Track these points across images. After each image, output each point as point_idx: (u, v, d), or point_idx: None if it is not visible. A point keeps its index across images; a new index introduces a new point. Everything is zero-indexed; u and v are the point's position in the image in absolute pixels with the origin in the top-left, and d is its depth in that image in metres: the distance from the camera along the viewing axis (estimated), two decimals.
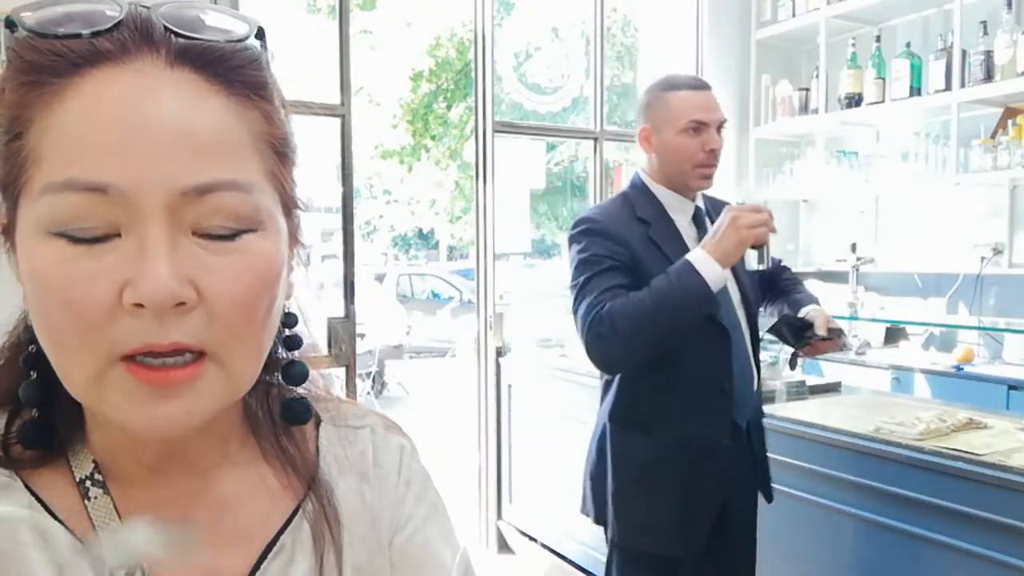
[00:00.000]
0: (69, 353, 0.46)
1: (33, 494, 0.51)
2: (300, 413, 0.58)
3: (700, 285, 1.64)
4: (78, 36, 0.45)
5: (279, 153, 0.51)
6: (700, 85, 1.86)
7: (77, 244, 0.44)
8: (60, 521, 0.50)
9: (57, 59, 0.45)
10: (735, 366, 1.80)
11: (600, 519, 1.91)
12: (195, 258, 0.46)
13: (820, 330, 1.83)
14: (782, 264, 2.14)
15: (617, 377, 1.86)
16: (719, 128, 1.82)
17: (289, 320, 0.58)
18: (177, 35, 0.47)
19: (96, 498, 0.51)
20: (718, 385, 1.78)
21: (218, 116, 0.47)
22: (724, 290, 1.78)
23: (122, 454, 0.53)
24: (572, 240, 1.82)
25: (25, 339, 0.52)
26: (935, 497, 1.93)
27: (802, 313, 1.92)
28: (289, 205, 0.53)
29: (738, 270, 1.86)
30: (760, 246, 1.70)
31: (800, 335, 1.87)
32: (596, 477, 1.90)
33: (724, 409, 1.79)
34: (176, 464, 0.54)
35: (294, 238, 0.55)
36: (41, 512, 0.50)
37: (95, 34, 0.45)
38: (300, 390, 0.60)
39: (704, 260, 1.66)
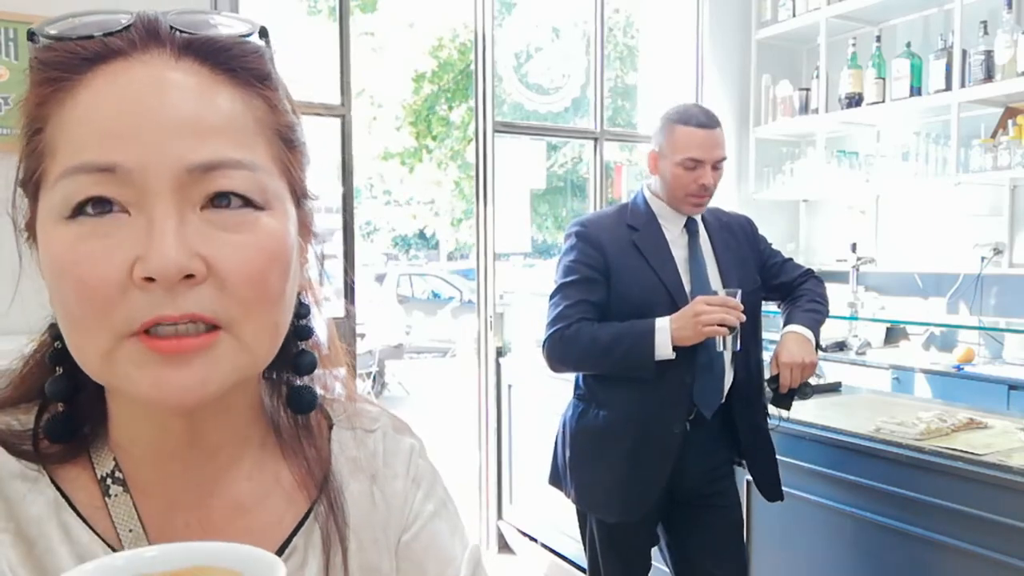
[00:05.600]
0: (84, 331, 0.47)
1: (58, 488, 0.52)
2: (306, 401, 0.59)
3: (647, 351, 1.82)
4: (91, 37, 0.48)
5: (285, 140, 0.53)
6: (707, 123, 1.94)
7: (89, 225, 0.46)
8: (82, 517, 0.51)
9: (70, 56, 0.48)
10: (701, 356, 1.91)
11: (562, 484, 2.08)
12: (204, 233, 0.47)
13: (782, 389, 1.99)
14: (805, 269, 2.17)
15: None
16: (716, 165, 1.93)
17: (301, 311, 0.58)
18: (182, 32, 0.49)
19: (116, 495, 0.53)
20: (678, 376, 1.89)
21: (223, 102, 0.49)
22: (704, 288, 1.93)
23: (143, 445, 0.53)
24: (565, 240, 2.03)
25: (51, 336, 0.54)
26: (935, 497, 1.93)
27: (780, 334, 2.05)
28: (299, 194, 0.54)
29: (724, 265, 2.00)
30: (725, 335, 1.82)
31: (777, 395, 2.03)
32: (560, 447, 2.09)
33: (682, 398, 1.91)
34: (195, 454, 0.54)
35: (306, 228, 0.56)
36: (64, 508, 0.51)
37: (107, 35, 0.48)
38: (320, 391, 0.60)
39: (663, 331, 1.83)
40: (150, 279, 0.45)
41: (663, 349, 1.82)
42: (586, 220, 2.03)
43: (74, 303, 0.46)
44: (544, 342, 1.96)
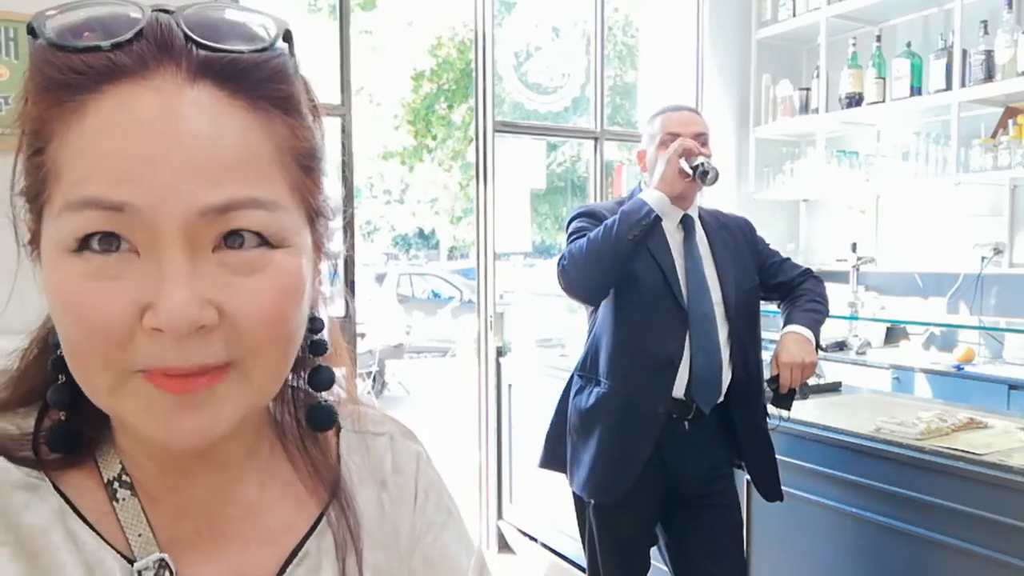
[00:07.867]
0: (88, 365, 0.45)
1: (62, 495, 0.51)
2: (326, 420, 0.57)
3: (640, 204, 1.88)
4: (97, 49, 0.44)
5: (305, 167, 0.50)
6: (682, 108, 2.07)
7: (95, 262, 0.44)
8: (88, 523, 0.50)
9: (76, 76, 0.44)
10: (694, 349, 1.95)
11: (560, 467, 2.11)
12: (216, 278, 0.45)
13: (782, 390, 2.01)
14: (804, 269, 2.17)
15: (590, 335, 2.07)
16: (697, 140, 1.97)
17: (315, 325, 0.56)
18: (199, 45, 0.45)
19: (124, 500, 0.51)
20: (667, 358, 1.94)
21: (240, 133, 0.45)
22: (700, 282, 1.97)
23: (149, 457, 0.52)
24: (567, 226, 2.06)
25: (52, 342, 0.51)
26: (935, 497, 1.93)
27: (779, 334, 2.07)
28: (314, 215, 0.52)
29: (721, 263, 2.01)
30: (694, 166, 1.89)
31: (777, 395, 2.04)
32: (555, 426, 2.14)
33: (666, 381, 1.94)
34: (204, 466, 0.53)
35: (318, 248, 0.54)
36: (70, 515, 0.50)
37: (115, 46, 0.44)
38: (324, 395, 0.59)
39: (648, 191, 1.92)
40: (160, 329, 0.43)
41: (652, 197, 1.88)
42: (587, 205, 2.11)
43: (78, 340, 0.45)
44: (556, 271, 1.97)
